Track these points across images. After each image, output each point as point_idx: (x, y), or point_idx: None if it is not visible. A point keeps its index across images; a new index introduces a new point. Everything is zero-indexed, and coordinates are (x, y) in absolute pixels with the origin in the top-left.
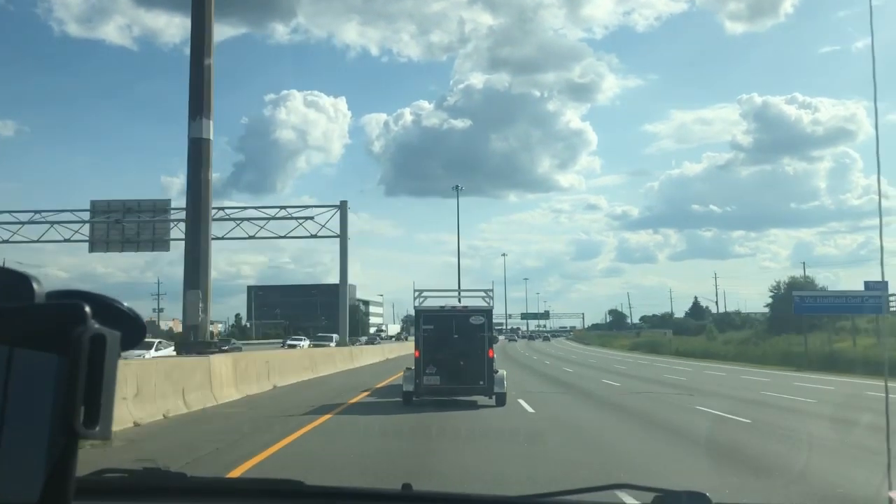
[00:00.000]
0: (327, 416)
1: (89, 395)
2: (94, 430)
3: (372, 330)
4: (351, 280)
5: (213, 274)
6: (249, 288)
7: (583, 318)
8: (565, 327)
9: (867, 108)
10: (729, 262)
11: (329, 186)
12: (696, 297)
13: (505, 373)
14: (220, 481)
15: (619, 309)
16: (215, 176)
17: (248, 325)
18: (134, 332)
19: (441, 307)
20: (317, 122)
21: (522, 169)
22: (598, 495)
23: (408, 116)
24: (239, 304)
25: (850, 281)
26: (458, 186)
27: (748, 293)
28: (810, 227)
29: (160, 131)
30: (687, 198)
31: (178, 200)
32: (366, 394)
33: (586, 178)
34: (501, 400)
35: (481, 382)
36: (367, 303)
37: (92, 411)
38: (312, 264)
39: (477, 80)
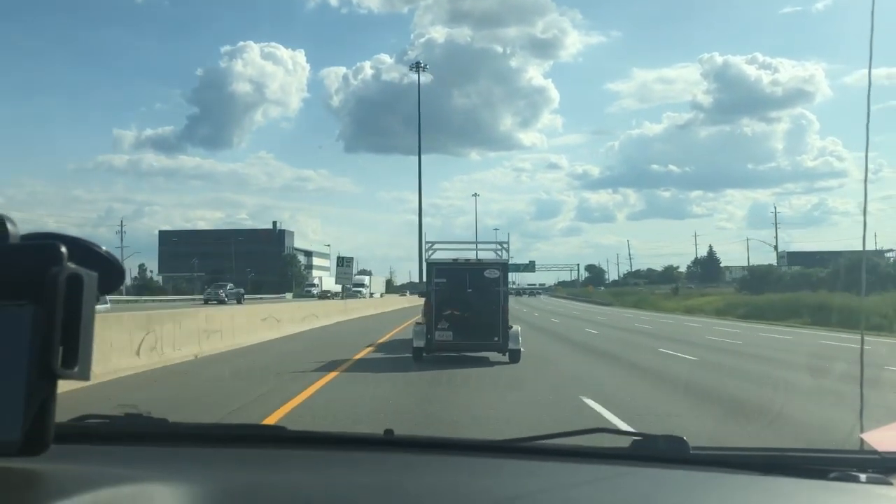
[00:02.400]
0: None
1: (67, 336)
2: (72, 371)
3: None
4: (310, 237)
5: (167, 227)
6: (161, 233)
7: (578, 270)
8: (533, 285)
9: (825, 70)
10: (687, 223)
11: (286, 141)
12: (710, 247)
13: (519, 328)
14: (201, 427)
15: (598, 265)
16: (167, 129)
17: (154, 277)
18: (112, 275)
19: (454, 260)
20: (274, 74)
21: (484, 126)
22: (578, 439)
23: (367, 70)
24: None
25: (803, 241)
26: (419, 65)
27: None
28: (766, 187)
29: (110, 82)
30: (646, 158)
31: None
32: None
33: (548, 136)
34: (515, 357)
35: (496, 339)
36: (309, 253)
37: (70, 353)
38: (268, 221)
39: (438, 33)
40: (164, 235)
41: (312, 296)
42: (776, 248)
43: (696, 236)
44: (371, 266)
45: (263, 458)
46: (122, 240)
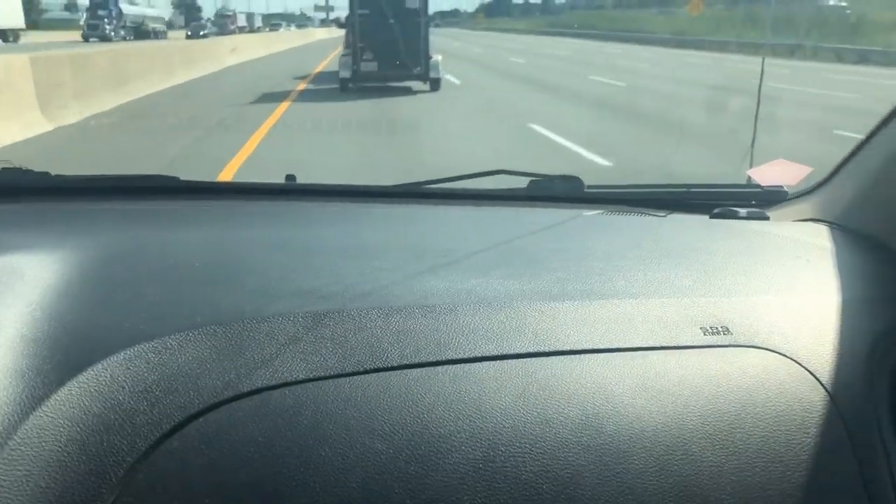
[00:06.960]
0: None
1: None
2: None
3: None
4: None
5: None
6: None
7: None
8: None
9: None
10: None
11: None
12: None
13: (440, 58)
14: (83, 179)
15: None
16: None
17: None
18: None
19: None
20: None
21: None
22: (479, 181)
23: None
24: None
25: None
26: None
27: None
28: None
29: None
30: None
31: None
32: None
33: None
34: (436, 85)
35: (418, 69)
36: None
37: None
38: None
39: None
40: None
41: None
42: None
43: None
44: None
45: (153, 212)
46: None
